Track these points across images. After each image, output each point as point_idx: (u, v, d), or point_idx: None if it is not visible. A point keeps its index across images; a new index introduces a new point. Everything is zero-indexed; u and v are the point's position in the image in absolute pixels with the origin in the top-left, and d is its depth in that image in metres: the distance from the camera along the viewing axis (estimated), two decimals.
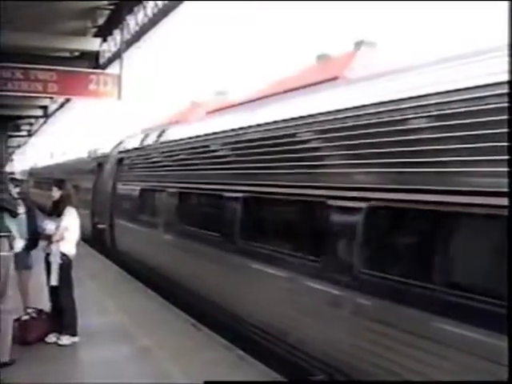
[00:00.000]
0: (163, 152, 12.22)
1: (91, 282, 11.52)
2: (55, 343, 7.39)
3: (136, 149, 14.35)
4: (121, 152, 15.66)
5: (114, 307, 9.65)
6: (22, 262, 7.76)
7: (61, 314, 7.56)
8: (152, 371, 6.58)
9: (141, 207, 12.90)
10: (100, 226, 16.06)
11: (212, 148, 9.48)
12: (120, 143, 16.61)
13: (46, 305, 7.87)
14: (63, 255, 7.50)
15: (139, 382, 6.31)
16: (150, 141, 13.51)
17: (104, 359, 7.02)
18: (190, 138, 10.62)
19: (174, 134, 12.19)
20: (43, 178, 32.73)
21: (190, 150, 10.42)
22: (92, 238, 16.94)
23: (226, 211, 8.30)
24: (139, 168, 13.67)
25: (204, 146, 9.80)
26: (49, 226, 7.61)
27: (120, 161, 15.25)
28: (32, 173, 45.50)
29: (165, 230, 11.07)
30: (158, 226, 11.46)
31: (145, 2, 15.77)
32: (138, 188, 13.07)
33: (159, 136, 12.93)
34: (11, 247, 6.84)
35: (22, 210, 7.85)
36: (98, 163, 17.90)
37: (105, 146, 18.84)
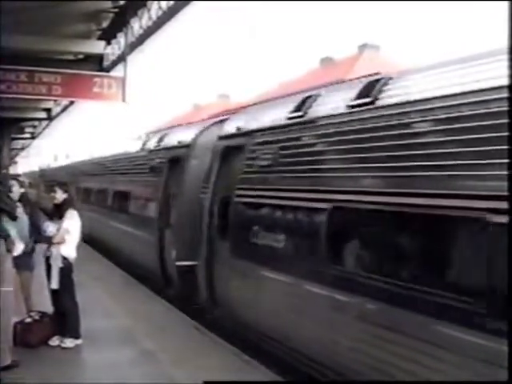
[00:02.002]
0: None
1: (95, 285, 11.52)
2: (59, 346, 7.39)
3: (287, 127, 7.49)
4: (234, 136, 8.97)
5: (118, 310, 9.65)
6: (24, 263, 7.76)
7: (64, 317, 7.56)
8: (155, 374, 6.57)
9: (296, 237, 6.86)
10: (181, 264, 9.88)
11: None
12: (208, 127, 10.91)
13: (49, 307, 7.86)
14: (64, 259, 7.50)
15: None
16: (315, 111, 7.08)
17: (107, 362, 7.02)
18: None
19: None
20: (58, 180, 29.34)
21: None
22: (156, 281, 11.44)
23: None
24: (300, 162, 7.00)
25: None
26: (50, 228, 7.60)
27: (235, 150, 8.72)
28: (43, 175, 40.94)
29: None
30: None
31: (149, 5, 15.78)
32: (292, 200, 6.93)
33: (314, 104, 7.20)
34: (8, 250, 6.79)
35: (20, 211, 7.81)
36: (171, 158, 11.62)
37: (174, 134, 13.04)
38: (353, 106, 6.22)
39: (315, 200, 6.34)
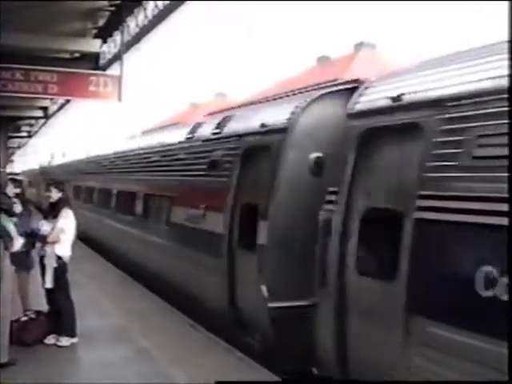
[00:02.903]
0: None
1: (90, 283, 11.52)
2: (54, 344, 7.39)
3: None
4: (396, 110, 5.67)
5: (114, 309, 9.64)
6: (22, 263, 7.76)
7: (59, 316, 7.56)
8: (151, 373, 6.58)
9: None
10: (280, 306, 6.80)
11: None
12: (312, 101, 7.26)
13: (45, 306, 7.86)
14: (58, 258, 7.48)
15: (138, 383, 6.31)
16: None
17: (103, 361, 7.02)
18: None
19: None
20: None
21: None
22: (219, 322, 8.33)
23: None
24: None
25: None
26: (44, 226, 7.59)
27: (397, 133, 5.66)
28: (44, 173, 37.37)
29: None
30: None
31: (145, 4, 15.78)
32: None
33: None
34: (6, 248, 6.82)
35: (18, 209, 7.84)
36: (249, 148, 8.22)
37: (247, 115, 9.25)
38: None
39: None
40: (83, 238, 16.54)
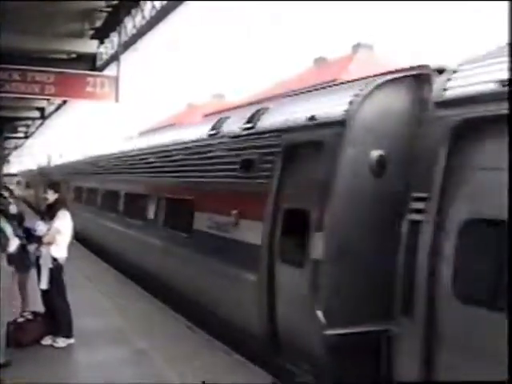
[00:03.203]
0: None
1: (88, 284, 11.50)
2: (51, 345, 7.38)
3: None
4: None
5: (111, 309, 9.63)
6: (20, 264, 7.76)
7: (55, 317, 7.55)
8: (148, 374, 6.57)
9: None
10: (341, 333, 5.78)
11: None
12: (374, 90, 6.24)
13: (42, 306, 7.85)
14: (54, 260, 7.46)
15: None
16: None
17: (100, 361, 7.01)
18: None
19: None
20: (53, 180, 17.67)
21: None
22: (253, 343, 7.30)
23: None
24: None
25: None
26: (40, 227, 7.58)
27: None
28: (43, 173, 35.31)
29: None
30: None
31: (142, 4, 15.78)
32: None
33: None
34: (3, 248, 6.83)
35: (15, 210, 7.85)
36: (293, 145, 7.07)
37: (286, 107, 8.21)
38: None
39: None
40: (95, 248, 16.18)
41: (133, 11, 16.47)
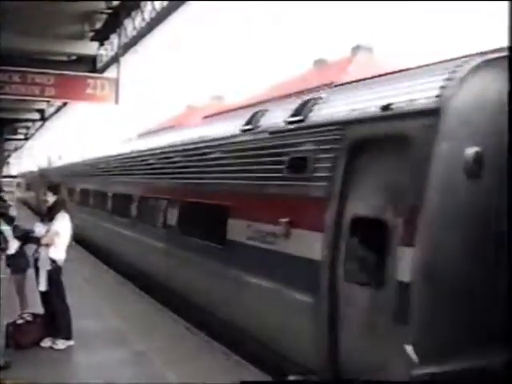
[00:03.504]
0: None
1: (86, 286, 11.49)
2: (50, 347, 7.37)
3: None
4: None
5: (110, 311, 9.62)
6: (18, 265, 7.76)
7: (55, 318, 7.55)
8: (147, 375, 6.56)
9: None
10: (440, 372, 4.69)
11: None
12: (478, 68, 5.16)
13: (42, 308, 7.85)
14: (52, 261, 7.44)
15: None
16: None
17: (99, 363, 7.00)
18: None
19: None
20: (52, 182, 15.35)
21: None
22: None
23: None
24: None
25: None
26: (38, 228, 7.57)
27: None
28: (44, 175, 33.61)
29: None
30: None
31: (142, 6, 15.80)
32: None
33: None
34: (2, 249, 6.84)
35: (15, 212, 7.87)
36: (361, 140, 5.82)
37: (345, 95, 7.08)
38: None
39: None
40: (105, 256, 14.92)
41: (133, 13, 16.50)
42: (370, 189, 5.49)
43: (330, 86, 8.03)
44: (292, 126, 7.14)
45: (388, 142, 5.39)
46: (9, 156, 63.44)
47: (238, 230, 7.73)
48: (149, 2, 15.41)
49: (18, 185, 50.93)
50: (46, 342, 7.44)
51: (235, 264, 7.67)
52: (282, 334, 6.49)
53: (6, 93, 16.53)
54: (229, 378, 6.42)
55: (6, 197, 8.73)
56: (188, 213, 9.93)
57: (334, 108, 6.65)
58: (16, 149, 62.07)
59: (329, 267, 5.69)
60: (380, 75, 6.85)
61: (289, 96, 8.59)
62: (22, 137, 48.10)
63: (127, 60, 18.02)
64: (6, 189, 29.11)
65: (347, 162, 5.77)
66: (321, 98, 7.12)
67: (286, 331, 6.40)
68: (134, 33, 16.78)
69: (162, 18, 14.82)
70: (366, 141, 5.71)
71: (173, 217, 10.37)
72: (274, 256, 6.74)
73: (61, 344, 7.40)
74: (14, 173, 63.11)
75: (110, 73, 18.40)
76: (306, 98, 7.50)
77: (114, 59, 17.79)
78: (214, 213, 8.68)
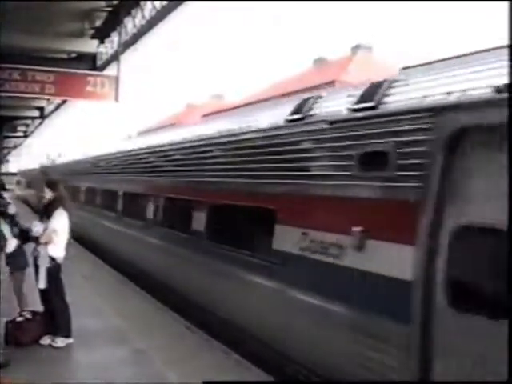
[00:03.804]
0: None
1: (86, 284, 11.49)
2: (50, 345, 7.37)
3: None
4: None
5: (109, 309, 9.62)
6: (16, 263, 7.77)
7: (54, 316, 7.55)
8: (147, 374, 6.56)
9: None
10: None
11: None
12: None
13: (41, 306, 7.85)
14: (52, 259, 7.44)
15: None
16: None
17: (99, 361, 6.99)
18: None
19: None
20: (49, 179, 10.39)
21: None
22: None
23: None
24: None
25: None
26: (37, 227, 7.57)
27: None
28: (46, 172, 31.19)
29: None
30: None
31: (142, 4, 15.80)
32: None
33: None
34: (1, 247, 6.85)
35: (13, 210, 7.85)
36: (458, 131, 4.56)
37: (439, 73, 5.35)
38: None
39: None
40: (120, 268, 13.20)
41: (133, 11, 16.52)
42: (484, 191, 4.30)
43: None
44: (359, 115, 5.82)
45: (501, 132, 4.16)
46: (8, 153, 63.41)
47: (288, 239, 6.46)
48: (149, 1, 15.43)
49: (18, 182, 50.90)
50: (46, 340, 7.43)
51: (286, 280, 6.43)
52: (361, 370, 5.14)
53: (5, 90, 16.54)
54: (229, 376, 6.43)
55: (5, 194, 8.72)
56: (214, 216, 8.65)
57: (417, 92, 5.30)
58: (15, 146, 62.05)
59: (424, 289, 4.54)
60: (458, 56, 5.58)
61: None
62: (21, 134, 48.10)
63: (127, 58, 18.04)
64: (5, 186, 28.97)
65: (445, 158, 4.62)
66: (396, 81, 5.82)
67: (364, 367, 5.10)
68: (134, 31, 16.80)
69: (162, 16, 14.84)
70: (472, 131, 4.50)
71: (198, 221, 9.05)
72: (344, 273, 5.50)
73: (60, 342, 7.40)
74: (13, 170, 63.14)
75: (110, 71, 18.42)
76: (375, 82, 6.12)
77: (114, 57, 17.80)
78: (250, 217, 7.65)
